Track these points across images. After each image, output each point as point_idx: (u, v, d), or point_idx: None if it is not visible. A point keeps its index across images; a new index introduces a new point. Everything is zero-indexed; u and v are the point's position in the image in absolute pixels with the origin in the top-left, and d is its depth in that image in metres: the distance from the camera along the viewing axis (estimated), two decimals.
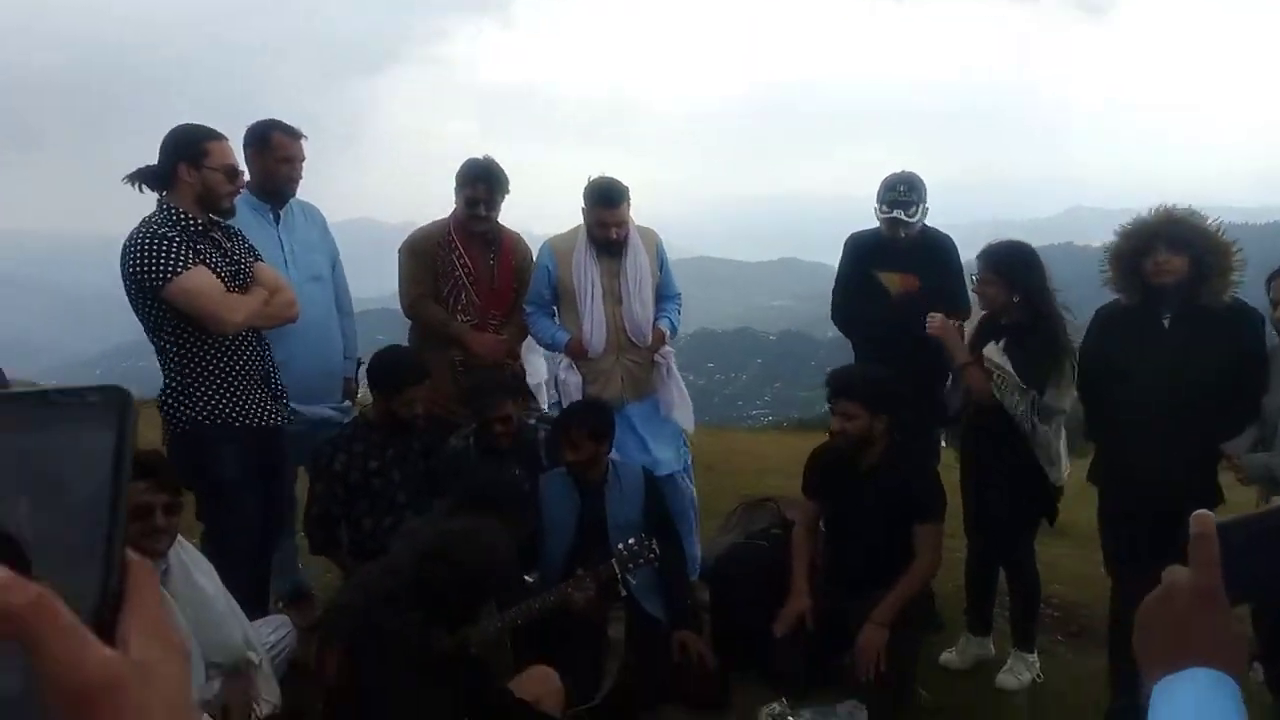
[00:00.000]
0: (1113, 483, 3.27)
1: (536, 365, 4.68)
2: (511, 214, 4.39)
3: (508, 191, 4.22)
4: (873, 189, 4.20)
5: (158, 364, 3.32)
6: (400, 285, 4.29)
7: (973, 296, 3.81)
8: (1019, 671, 3.76)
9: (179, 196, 3.20)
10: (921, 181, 4.08)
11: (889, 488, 3.63)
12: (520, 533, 3.30)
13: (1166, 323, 3.06)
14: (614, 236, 4.07)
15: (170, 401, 3.28)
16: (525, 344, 4.46)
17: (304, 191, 4.04)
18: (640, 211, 4.27)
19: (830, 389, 3.72)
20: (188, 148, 3.18)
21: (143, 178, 3.21)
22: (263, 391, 3.40)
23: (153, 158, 3.22)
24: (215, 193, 3.22)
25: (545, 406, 4.56)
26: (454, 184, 4.20)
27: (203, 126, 3.26)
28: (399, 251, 4.30)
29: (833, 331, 4.52)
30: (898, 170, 4.14)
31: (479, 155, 4.24)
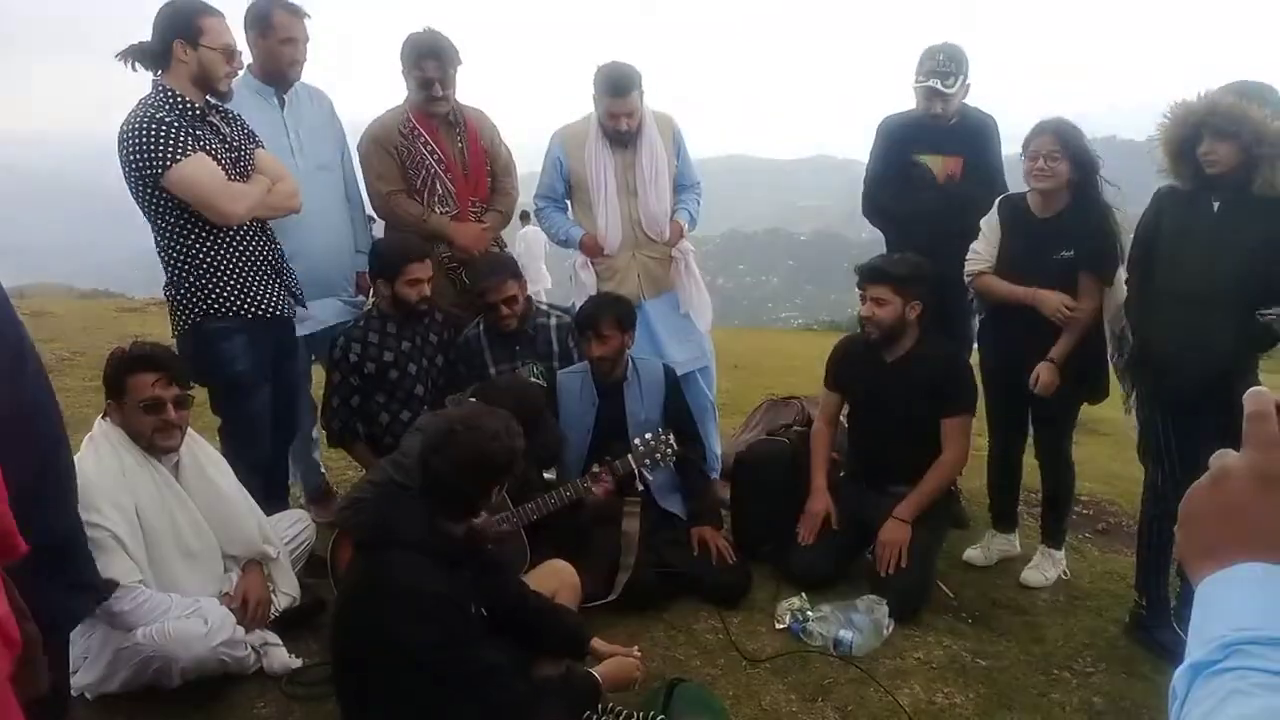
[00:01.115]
0: (1148, 367, 3.15)
1: (538, 272, 4.53)
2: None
3: (460, 63, 3.84)
4: (912, 80, 3.89)
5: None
6: (367, 183, 3.94)
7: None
8: (1045, 569, 3.70)
9: (174, 77, 3.06)
10: (964, 54, 3.75)
11: (917, 379, 3.52)
12: (549, 438, 3.26)
13: (1215, 207, 2.90)
14: (623, 128, 3.86)
15: (177, 295, 3.20)
16: (526, 249, 4.27)
17: None
18: (666, 107, 4.01)
19: (861, 274, 3.57)
20: (183, 24, 3.02)
21: (136, 55, 3.06)
22: (275, 283, 3.32)
23: None
24: (212, 74, 3.07)
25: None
26: (400, 66, 3.84)
27: (197, 1, 3.09)
28: (358, 148, 3.93)
29: (867, 231, 4.25)
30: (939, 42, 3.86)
31: (420, 29, 3.83)
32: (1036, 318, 3.39)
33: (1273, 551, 0.72)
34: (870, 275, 3.53)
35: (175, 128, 2.97)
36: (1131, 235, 3.22)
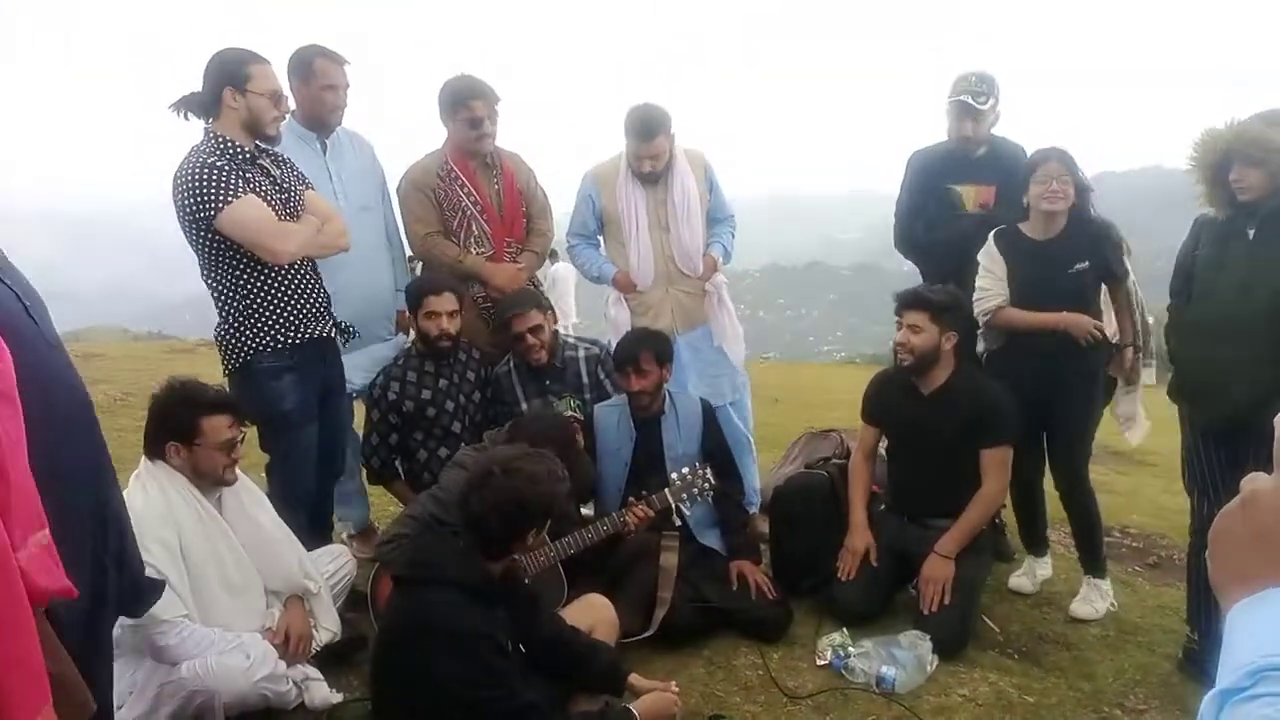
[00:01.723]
0: (1188, 395, 3.10)
1: (567, 308, 4.58)
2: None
3: (499, 101, 3.92)
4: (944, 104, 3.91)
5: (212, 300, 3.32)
6: (405, 225, 4.02)
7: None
8: (1093, 600, 3.62)
9: (225, 124, 3.16)
10: (996, 81, 3.78)
11: (955, 411, 3.48)
12: (581, 472, 3.26)
13: (1251, 234, 2.87)
14: (647, 169, 3.91)
15: (227, 334, 3.29)
16: (554, 286, 4.33)
17: None
18: (707, 145, 4.06)
19: (899, 301, 3.57)
20: (231, 73, 3.13)
21: (188, 105, 3.18)
22: (324, 313, 3.40)
23: None
24: (261, 118, 3.17)
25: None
26: (441, 112, 3.94)
27: (245, 50, 3.20)
28: (398, 191, 4.04)
29: (909, 264, 4.24)
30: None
31: (455, 75, 3.94)
32: (1048, 346, 3.41)
33: None
34: (908, 302, 3.53)
35: (226, 172, 3.07)
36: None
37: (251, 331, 3.25)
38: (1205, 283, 2.99)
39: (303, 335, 3.30)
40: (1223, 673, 0.69)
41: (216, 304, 3.31)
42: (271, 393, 3.29)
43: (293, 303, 3.28)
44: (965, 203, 3.90)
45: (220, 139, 3.15)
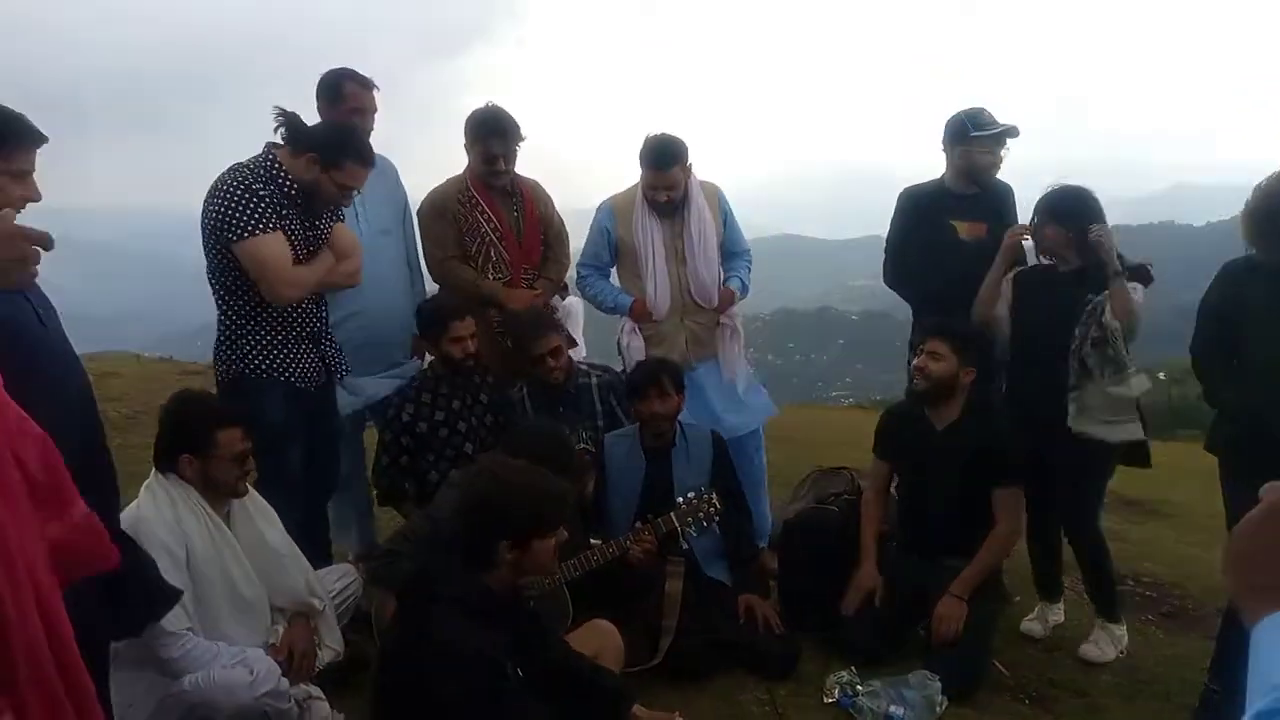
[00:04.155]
0: (1240, 443, 3.02)
1: (577, 341, 4.59)
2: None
3: (522, 139, 3.97)
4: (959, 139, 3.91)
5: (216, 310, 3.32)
6: (424, 249, 4.05)
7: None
8: (1103, 644, 3.57)
9: (294, 162, 3.19)
10: None
11: (967, 448, 3.46)
12: (571, 477, 3.19)
13: None
14: (663, 199, 3.93)
15: (222, 349, 3.33)
16: (560, 316, 4.34)
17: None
18: (720, 188, 4.16)
19: (924, 328, 3.60)
20: (331, 151, 3.16)
21: (287, 125, 3.20)
22: (311, 354, 3.41)
23: (243, 136, 3.22)
24: (325, 198, 3.24)
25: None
26: (464, 139, 3.99)
27: (361, 141, 3.30)
28: (418, 214, 4.05)
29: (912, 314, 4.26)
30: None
31: (483, 105, 3.98)
32: (1051, 381, 3.39)
33: None
34: (932, 329, 3.55)
35: (266, 203, 3.11)
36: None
37: (240, 353, 3.28)
38: (1260, 329, 2.92)
39: (291, 377, 3.32)
40: (1253, 695, 0.67)
41: (218, 310, 3.33)
42: (257, 405, 3.25)
43: (282, 339, 3.30)
44: (958, 236, 3.93)
45: (276, 166, 3.18)
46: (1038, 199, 3.56)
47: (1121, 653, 3.59)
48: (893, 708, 3.05)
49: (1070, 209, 3.46)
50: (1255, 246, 2.97)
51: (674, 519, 3.36)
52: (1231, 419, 3.08)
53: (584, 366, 4.05)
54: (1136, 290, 3.34)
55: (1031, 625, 3.77)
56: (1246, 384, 3.00)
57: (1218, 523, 3.20)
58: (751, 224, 4.51)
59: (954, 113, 3.92)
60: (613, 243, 4.13)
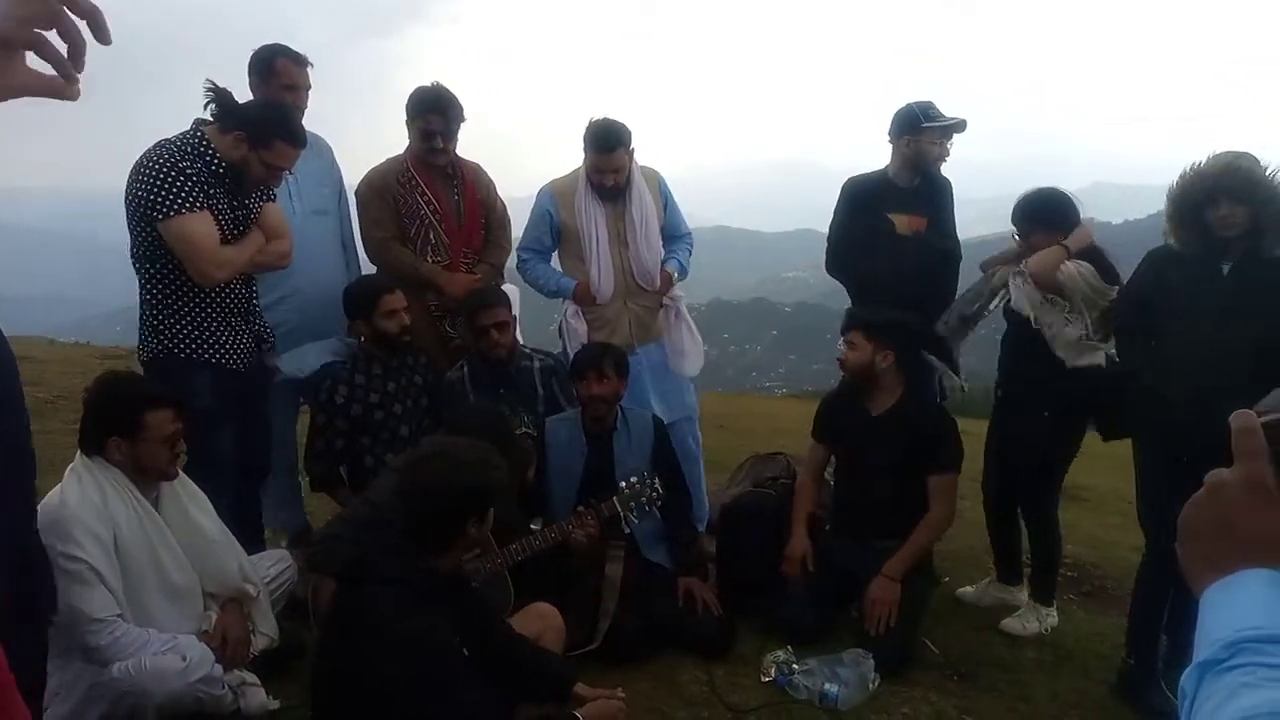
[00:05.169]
0: (1150, 428, 3.16)
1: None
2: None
3: (463, 119, 3.91)
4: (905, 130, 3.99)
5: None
6: (361, 229, 3.98)
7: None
8: (1027, 620, 3.72)
9: (222, 140, 3.11)
10: None
11: (902, 434, 3.55)
12: (515, 458, 3.18)
13: (1225, 271, 2.97)
14: (609, 183, 3.93)
15: (147, 330, 3.23)
16: None
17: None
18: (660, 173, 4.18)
19: (842, 325, 3.72)
20: (261, 130, 3.10)
21: (217, 101, 3.12)
22: (243, 330, 3.34)
23: (174, 114, 3.14)
24: (253, 178, 3.17)
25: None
26: (404, 116, 3.92)
27: (292, 121, 3.26)
28: (356, 194, 3.97)
29: (849, 302, 4.33)
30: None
31: (427, 83, 3.92)
32: (1032, 375, 3.51)
33: (1270, 556, 0.75)
34: (848, 321, 3.70)
35: (193, 182, 3.02)
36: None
37: (169, 333, 3.19)
38: (1176, 315, 3.03)
39: (218, 358, 3.25)
40: (1199, 648, 0.73)
41: (141, 290, 3.23)
42: (189, 388, 3.14)
43: (212, 318, 3.23)
44: (899, 230, 4.00)
45: (205, 144, 3.10)
46: (1012, 210, 3.59)
47: (1044, 631, 3.72)
48: (827, 685, 3.12)
49: (1055, 212, 3.52)
50: (1174, 237, 3.08)
51: (616, 504, 3.37)
52: (1148, 398, 3.20)
53: (527, 350, 4.02)
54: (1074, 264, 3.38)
55: (967, 591, 3.99)
56: (1162, 365, 3.13)
57: (1132, 507, 3.34)
58: (687, 215, 4.53)
59: (903, 104, 3.99)
60: (555, 226, 4.11)
